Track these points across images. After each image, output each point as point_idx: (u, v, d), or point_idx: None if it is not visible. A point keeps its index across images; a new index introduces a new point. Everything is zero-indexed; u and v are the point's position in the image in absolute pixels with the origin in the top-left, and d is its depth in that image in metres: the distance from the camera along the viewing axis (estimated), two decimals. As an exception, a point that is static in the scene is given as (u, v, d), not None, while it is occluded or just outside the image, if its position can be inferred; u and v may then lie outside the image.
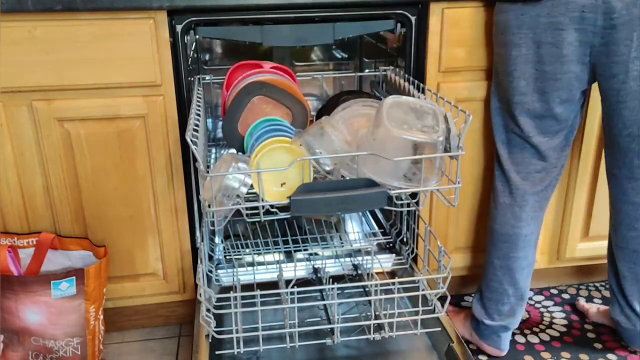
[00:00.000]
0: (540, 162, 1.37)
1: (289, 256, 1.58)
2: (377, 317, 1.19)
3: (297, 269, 1.49)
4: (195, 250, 1.50)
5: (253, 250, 1.58)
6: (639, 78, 1.21)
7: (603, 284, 1.82)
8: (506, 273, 1.44)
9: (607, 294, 1.76)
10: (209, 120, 1.92)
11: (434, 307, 1.23)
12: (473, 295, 1.55)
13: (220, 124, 1.83)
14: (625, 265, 1.41)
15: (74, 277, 1.33)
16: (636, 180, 1.31)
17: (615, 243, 1.41)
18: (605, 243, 1.52)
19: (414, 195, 1.23)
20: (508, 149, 1.38)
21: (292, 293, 1.15)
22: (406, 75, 1.38)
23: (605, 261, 1.50)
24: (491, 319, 1.47)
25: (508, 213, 1.40)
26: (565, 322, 1.64)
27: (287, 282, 1.28)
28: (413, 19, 1.38)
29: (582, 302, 1.70)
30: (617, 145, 1.30)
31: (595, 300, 1.74)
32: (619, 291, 1.45)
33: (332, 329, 1.17)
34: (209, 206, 1.01)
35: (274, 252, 1.58)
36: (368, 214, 1.81)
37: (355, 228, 1.75)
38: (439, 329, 1.27)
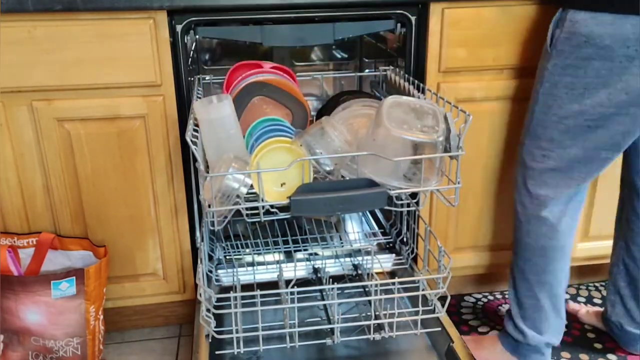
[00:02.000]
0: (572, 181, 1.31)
1: (289, 256, 1.58)
2: (377, 317, 1.19)
3: (297, 269, 1.49)
4: (195, 250, 1.50)
5: (253, 250, 1.58)
6: None
7: (603, 284, 1.82)
8: (543, 289, 1.39)
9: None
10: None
11: (434, 307, 1.23)
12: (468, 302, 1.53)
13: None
14: None
15: (74, 277, 1.33)
16: None
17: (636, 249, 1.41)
18: (604, 243, 1.52)
19: (414, 195, 1.23)
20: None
21: (292, 293, 1.15)
22: (406, 75, 1.38)
23: (606, 261, 1.50)
24: (532, 339, 1.42)
25: (543, 226, 1.34)
26: (565, 322, 1.64)
27: (287, 282, 1.28)
28: (413, 19, 1.38)
29: (571, 303, 1.70)
30: None
31: (595, 300, 1.74)
32: (631, 295, 1.44)
33: (332, 329, 1.17)
34: (209, 206, 1.01)
35: (274, 252, 1.58)
36: (368, 214, 1.81)
37: (355, 228, 1.75)
38: (439, 329, 1.27)
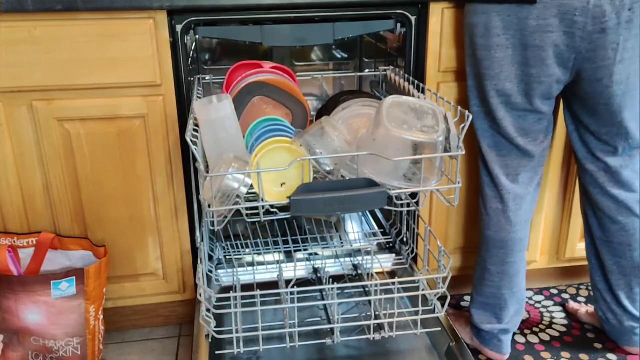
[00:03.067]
0: (528, 161, 1.36)
1: (289, 256, 1.58)
2: (377, 317, 1.19)
3: (297, 269, 1.49)
4: (195, 250, 1.50)
5: (253, 250, 1.58)
6: (622, 82, 1.22)
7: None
8: (504, 278, 1.43)
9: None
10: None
11: (434, 307, 1.23)
12: (468, 302, 1.55)
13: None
14: (612, 260, 1.42)
15: (74, 277, 1.33)
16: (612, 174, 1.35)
17: (600, 239, 1.43)
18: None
19: (414, 195, 1.23)
20: (496, 152, 1.37)
21: (292, 293, 1.15)
22: (406, 75, 1.38)
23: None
24: (491, 324, 1.46)
25: (502, 219, 1.39)
26: (565, 322, 1.64)
27: (287, 282, 1.28)
28: (413, 19, 1.38)
29: (571, 303, 1.70)
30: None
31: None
32: (606, 288, 1.46)
33: (332, 329, 1.17)
34: (209, 206, 1.01)
35: (274, 252, 1.58)
36: (368, 214, 1.81)
37: (355, 228, 1.75)
38: (439, 329, 1.27)
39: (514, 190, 1.37)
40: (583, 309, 1.65)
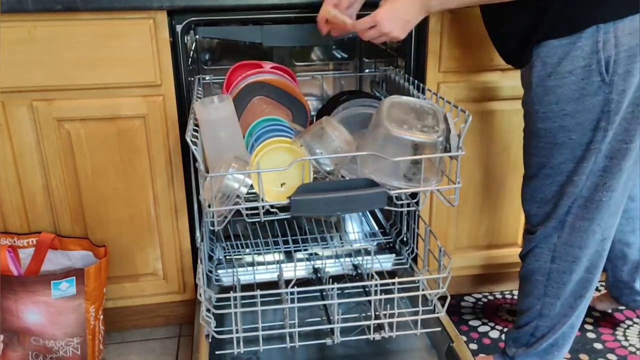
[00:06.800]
0: None
1: (289, 256, 1.58)
2: (377, 317, 1.19)
3: (297, 269, 1.49)
4: (195, 250, 1.50)
5: (253, 250, 1.58)
6: None
7: (603, 283, 1.82)
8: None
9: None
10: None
11: (434, 307, 1.23)
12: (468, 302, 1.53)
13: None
14: None
15: (74, 277, 1.33)
16: None
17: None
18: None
19: (414, 195, 1.24)
20: None
21: (292, 293, 1.15)
22: (406, 75, 1.38)
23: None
24: None
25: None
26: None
27: (287, 282, 1.28)
28: (413, 19, 1.38)
29: None
30: None
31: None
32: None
33: (332, 329, 1.17)
34: (209, 206, 1.01)
35: (274, 252, 1.58)
36: (368, 214, 1.81)
37: (355, 228, 1.75)
38: (439, 329, 1.27)
39: None
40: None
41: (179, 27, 1.31)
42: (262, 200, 1.04)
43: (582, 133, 1.12)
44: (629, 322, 1.64)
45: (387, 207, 1.04)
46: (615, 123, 1.10)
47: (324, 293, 1.40)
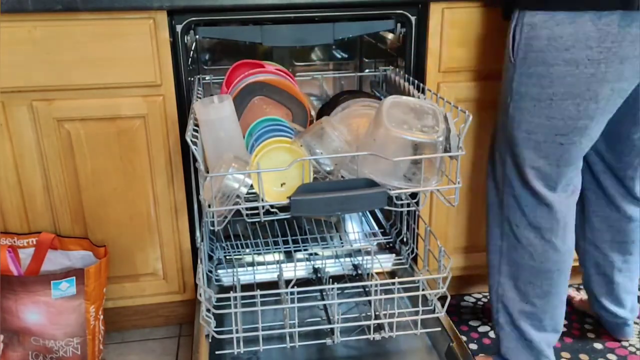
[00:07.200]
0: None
1: (289, 256, 1.58)
2: (377, 317, 1.19)
3: (297, 269, 1.49)
4: (195, 250, 1.50)
5: (253, 250, 1.58)
6: None
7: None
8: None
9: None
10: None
11: (434, 307, 1.23)
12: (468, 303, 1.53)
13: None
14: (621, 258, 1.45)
15: (74, 277, 1.33)
16: None
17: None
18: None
19: (414, 195, 1.23)
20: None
21: (292, 293, 1.15)
22: (406, 75, 1.38)
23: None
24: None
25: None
26: (565, 322, 1.64)
27: (287, 282, 1.28)
28: (413, 19, 1.38)
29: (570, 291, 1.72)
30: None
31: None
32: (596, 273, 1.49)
33: (332, 329, 1.17)
34: (209, 206, 1.01)
35: (274, 252, 1.58)
36: (368, 214, 1.81)
37: (355, 228, 1.75)
38: (439, 329, 1.27)
39: None
40: (578, 297, 1.68)
41: (179, 27, 1.31)
42: (262, 200, 1.04)
43: (504, 96, 1.26)
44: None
45: (387, 207, 1.04)
46: (516, 106, 1.22)
47: (324, 293, 1.40)
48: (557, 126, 1.18)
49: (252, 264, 1.52)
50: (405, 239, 1.56)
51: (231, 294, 1.12)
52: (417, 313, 1.19)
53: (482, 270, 1.71)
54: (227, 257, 1.56)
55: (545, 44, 1.12)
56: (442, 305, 1.20)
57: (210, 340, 1.23)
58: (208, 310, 1.12)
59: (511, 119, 1.24)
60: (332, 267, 1.51)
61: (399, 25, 1.44)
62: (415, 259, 1.52)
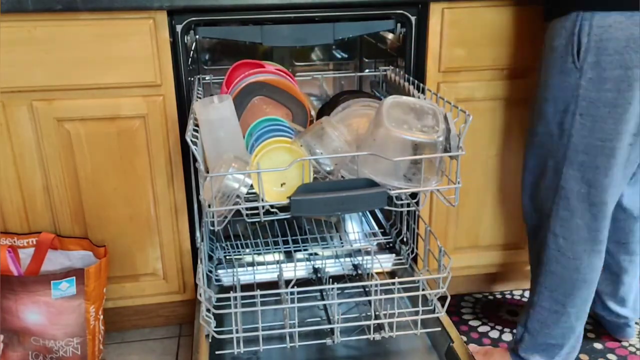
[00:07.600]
0: None
1: (289, 256, 1.58)
2: (377, 317, 1.19)
3: (297, 269, 1.49)
4: (195, 250, 1.50)
5: (253, 250, 1.58)
6: None
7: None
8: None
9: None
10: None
11: (434, 307, 1.23)
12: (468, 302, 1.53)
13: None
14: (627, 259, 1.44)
15: (74, 277, 1.33)
16: None
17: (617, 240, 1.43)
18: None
19: (414, 195, 1.23)
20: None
21: (292, 293, 1.15)
22: (406, 75, 1.38)
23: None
24: None
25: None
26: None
27: (287, 282, 1.28)
28: (413, 19, 1.38)
29: None
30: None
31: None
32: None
33: (332, 329, 1.17)
34: (209, 206, 1.01)
35: (274, 252, 1.58)
36: (368, 214, 1.81)
37: (355, 228, 1.75)
38: (439, 329, 1.27)
39: None
40: None
41: (179, 27, 1.31)
42: (262, 200, 1.04)
43: (555, 109, 1.20)
44: (629, 322, 1.64)
45: (387, 207, 1.04)
46: (585, 113, 1.15)
47: (324, 293, 1.40)
48: (631, 131, 1.15)
49: (252, 264, 1.52)
50: (405, 239, 1.56)
51: (231, 294, 1.12)
52: (417, 313, 1.19)
53: (482, 270, 1.71)
54: (227, 257, 1.56)
55: (624, 46, 1.08)
56: (442, 305, 1.20)
57: (210, 340, 1.23)
58: (208, 310, 1.12)
59: (577, 128, 1.17)
60: (332, 267, 1.51)
61: (399, 25, 1.44)
62: (415, 259, 1.52)
